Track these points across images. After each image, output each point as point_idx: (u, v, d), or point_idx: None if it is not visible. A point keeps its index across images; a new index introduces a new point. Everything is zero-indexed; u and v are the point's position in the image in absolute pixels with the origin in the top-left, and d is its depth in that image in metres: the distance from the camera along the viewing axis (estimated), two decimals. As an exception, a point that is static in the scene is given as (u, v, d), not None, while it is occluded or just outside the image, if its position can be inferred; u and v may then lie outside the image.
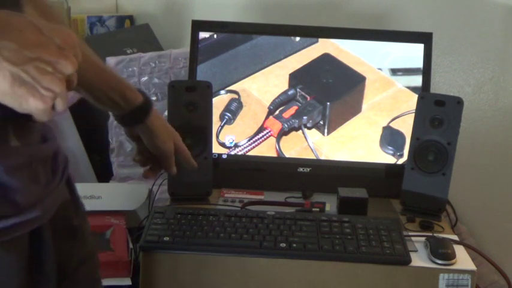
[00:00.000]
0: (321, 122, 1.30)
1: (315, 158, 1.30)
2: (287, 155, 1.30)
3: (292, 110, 1.30)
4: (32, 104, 0.52)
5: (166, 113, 1.20)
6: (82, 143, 1.48)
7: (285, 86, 1.30)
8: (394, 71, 1.30)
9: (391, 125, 1.29)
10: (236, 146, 1.30)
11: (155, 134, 0.92)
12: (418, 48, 1.29)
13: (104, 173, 1.52)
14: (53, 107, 0.55)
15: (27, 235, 0.63)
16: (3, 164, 0.57)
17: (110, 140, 1.52)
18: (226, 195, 1.24)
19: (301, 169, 1.29)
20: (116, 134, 1.51)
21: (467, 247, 1.05)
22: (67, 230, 0.74)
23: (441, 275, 0.95)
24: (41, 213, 0.63)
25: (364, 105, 1.30)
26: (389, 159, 1.29)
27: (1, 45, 0.50)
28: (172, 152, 0.95)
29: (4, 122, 0.59)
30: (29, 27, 0.52)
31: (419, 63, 1.29)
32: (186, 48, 1.41)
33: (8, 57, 0.50)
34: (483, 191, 1.65)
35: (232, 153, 1.30)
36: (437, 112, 1.15)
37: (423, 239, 1.02)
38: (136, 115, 0.89)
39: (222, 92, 1.31)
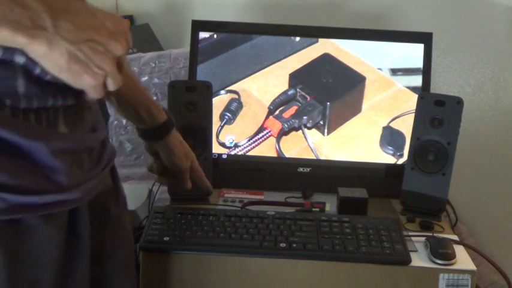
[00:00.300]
0: (321, 122, 1.30)
1: (315, 158, 1.30)
2: (287, 155, 1.30)
3: (292, 110, 1.30)
4: (85, 80, 0.57)
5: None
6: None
7: (285, 86, 1.30)
8: (394, 71, 1.30)
9: (391, 125, 1.29)
10: (236, 146, 1.30)
11: (173, 151, 0.98)
12: (418, 48, 1.29)
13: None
14: (106, 87, 0.60)
15: (67, 214, 0.69)
16: (49, 147, 0.63)
17: (110, 140, 1.52)
18: (226, 195, 1.24)
19: (301, 169, 1.29)
20: (116, 134, 1.51)
21: (467, 247, 1.05)
22: (104, 217, 0.79)
23: (441, 275, 0.95)
24: (81, 195, 0.68)
25: (364, 105, 1.30)
26: (390, 159, 1.29)
27: (60, 25, 0.55)
28: (188, 169, 1.02)
29: (56, 110, 0.65)
30: (84, 12, 0.58)
31: (419, 63, 1.29)
32: (186, 48, 1.41)
33: (66, 37, 0.55)
34: (483, 191, 1.65)
35: (232, 153, 1.30)
36: (437, 112, 1.15)
37: (423, 239, 1.02)
38: (158, 132, 0.95)
39: (222, 92, 1.31)
